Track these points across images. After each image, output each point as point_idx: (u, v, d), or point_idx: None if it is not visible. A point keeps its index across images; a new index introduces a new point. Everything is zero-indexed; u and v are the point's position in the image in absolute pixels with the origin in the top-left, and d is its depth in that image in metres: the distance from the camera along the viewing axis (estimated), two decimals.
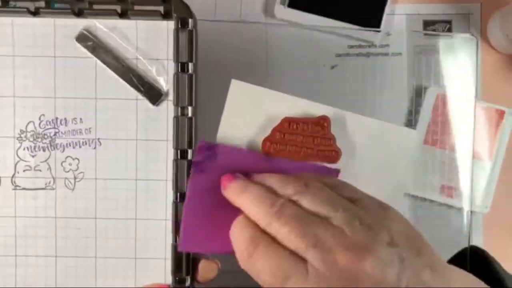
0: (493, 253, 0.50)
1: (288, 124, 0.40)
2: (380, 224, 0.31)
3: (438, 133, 0.49)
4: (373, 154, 0.41)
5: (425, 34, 0.49)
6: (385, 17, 0.49)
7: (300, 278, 0.30)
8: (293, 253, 0.31)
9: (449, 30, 0.50)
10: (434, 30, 0.50)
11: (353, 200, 0.34)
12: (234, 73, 0.50)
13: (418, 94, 0.49)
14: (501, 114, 0.49)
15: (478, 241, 0.52)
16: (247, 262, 0.32)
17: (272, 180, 0.35)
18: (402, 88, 0.49)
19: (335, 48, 0.51)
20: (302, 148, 0.40)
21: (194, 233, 0.37)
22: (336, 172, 0.39)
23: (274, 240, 0.32)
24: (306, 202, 0.33)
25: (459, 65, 0.48)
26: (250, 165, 0.38)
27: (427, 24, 0.51)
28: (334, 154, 0.40)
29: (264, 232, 0.32)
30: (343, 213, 0.32)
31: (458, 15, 0.50)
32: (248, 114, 0.40)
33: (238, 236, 0.33)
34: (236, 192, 0.35)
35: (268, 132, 0.40)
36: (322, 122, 0.40)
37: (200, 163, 0.37)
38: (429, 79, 0.49)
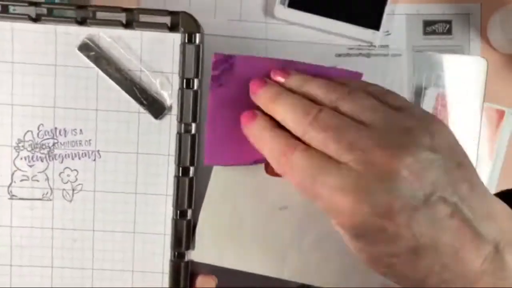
0: None
1: None
2: (423, 129, 0.30)
3: None
4: None
5: (426, 38, 0.49)
6: (385, 17, 0.48)
7: (332, 175, 0.30)
8: (329, 157, 0.30)
9: (449, 30, 0.50)
10: (434, 30, 0.50)
11: (398, 108, 0.32)
12: None
13: (418, 94, 0.49)
14: (501, 114, 0.49)
15: None
16: (283, 166, 0.32)
17: (313, 85, 0.33)
18: (402, 88, 0.49)
19: (335, 48, 0.50)
20: None
21: (218, 147, 0.36)
22: (359, 75, 0.38)
23: (309, 147, 0.31)
24: (346, 108, 0.32)
25: (462, 68, 0.48)
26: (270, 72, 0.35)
27: (427, 24, 0.50)
28: None
29: (298, 138, 0.32)
30: (383, 118, 0.31)
31: (458, 15, 0.50)
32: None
33: (271, 144, 0.33)
34: (268, 98, 0.33)
35: None
36: None
37: (218, 77, 0.35)
38: (429, 79, 0.48)
